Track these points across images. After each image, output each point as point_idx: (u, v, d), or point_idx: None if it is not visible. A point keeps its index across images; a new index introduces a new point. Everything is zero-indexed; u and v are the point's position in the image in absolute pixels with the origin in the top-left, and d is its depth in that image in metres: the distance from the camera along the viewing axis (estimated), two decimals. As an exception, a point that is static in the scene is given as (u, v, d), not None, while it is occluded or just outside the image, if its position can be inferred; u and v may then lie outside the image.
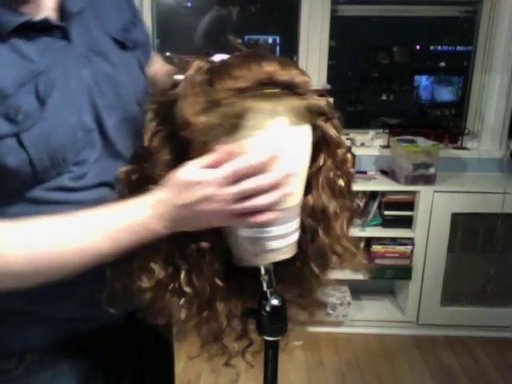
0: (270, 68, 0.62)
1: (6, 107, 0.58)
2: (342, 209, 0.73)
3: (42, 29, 0.63)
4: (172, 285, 0.67)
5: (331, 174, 0.71)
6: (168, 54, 0.80)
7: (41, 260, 0.60)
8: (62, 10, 0.67)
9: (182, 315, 0.69)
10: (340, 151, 0.72)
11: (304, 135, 0.66)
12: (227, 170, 0.59)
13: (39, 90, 0.61)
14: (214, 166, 0.60)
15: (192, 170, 0.60)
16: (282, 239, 0.68)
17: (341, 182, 0.73)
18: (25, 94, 0.59)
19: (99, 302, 0.68)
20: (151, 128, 0.67)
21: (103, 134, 0.70)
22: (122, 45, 0.74)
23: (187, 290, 0.67)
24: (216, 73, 0.63)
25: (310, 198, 0.71)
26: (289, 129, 0.63)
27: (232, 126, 0.60)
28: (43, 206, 0.65)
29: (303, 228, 0.72)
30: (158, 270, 0.66)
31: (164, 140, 0.66)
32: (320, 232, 0.72)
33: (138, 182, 0.67)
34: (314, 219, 0.72)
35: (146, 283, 0.67)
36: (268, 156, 0.60)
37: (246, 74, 0.62)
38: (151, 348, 0.93)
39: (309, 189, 0.71)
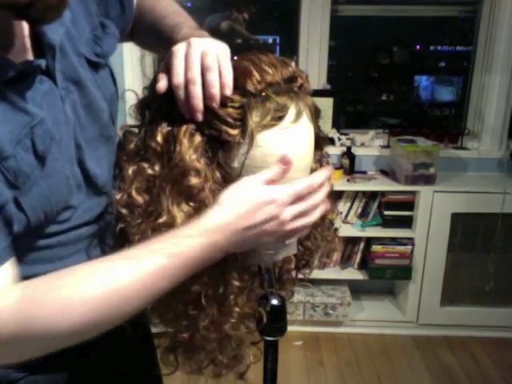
0: (294, 67, 0.66)
1: (6, 170, 0.52)
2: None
3: (31, 72, 0.57)
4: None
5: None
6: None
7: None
8: (39, 40, 0.59)
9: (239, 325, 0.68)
10: (325, 150, 0.76)
11: (313, 132, 0.68)
12: (293, 189, 0.61)
13: (37, 145, 0.55)
14: (274, 180, 0.61)
15: (259, 188, 0.60)
16: None
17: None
18: (23, 153, 0.53)
19: None
20: (164, 126, 0.66)
21: (86, 174, 0.66)
22: (95, 65, 0.68)
23: (236, 309, 0.67)
24: (243, 67, 0.64)
25: None
26: (309, 124, 0.66)
27: (277, 119, 0.62)
28: (19, 251, 0.58)
29: None
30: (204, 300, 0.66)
31: (190, 136, 0.64)
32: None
33: (155, 178, 0.65)
34: None
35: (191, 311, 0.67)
36: (325, 177, 0.64)
37: (274, 70, 0.64)
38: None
39: None
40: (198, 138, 0.63)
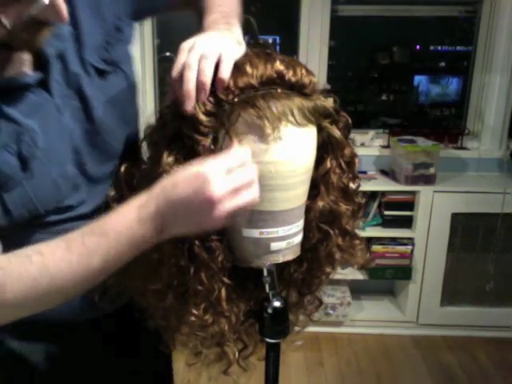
0: (280, 67, 0.62)
1: None
2: (350, 209, 0.73)
3: (22, 86, 0.62)
4: (177, 283, 0.66)
5: (339, 177, 0.71)
6: (168, 54, 0.78)
7: (32, 291, 0.56)
8: (39, 53, 0.64)
9: (188, 317, 0.67)
10: (347, 153, 0.72)
11: (309, 136, 0.66)
12: (223, 162, 0.56)
13: (22, 150, 0.60)
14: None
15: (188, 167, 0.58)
16: (285, 240, 0.68)
17: (349, 184, 0.73)
18: (7, 155, 0.59)
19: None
20: (157, 127, 0.67)
21: (85, 174, 0.70)
22: (102, 71, 0.71)
23: (198, 287, 0.65)
24: None
25: (319, 200, 0.71)
26: (294, 129, 0.63)
27: (248, 126, 0.61)
28: (20, 237, 0.62)
29: (314, 230, 0.72)
30: (166, 270, 0.65)
31: (169, 140, 0.64)
32: (331, 233, 0.72)
33: (139, 180, 0.67)
34: (324, 221, 0.72)
35: (154, 285, 0.66)
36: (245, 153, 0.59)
37: (255, 71, 0.61)
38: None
39: (318, 192, 0.71)
40: (176, 144, 0.63)
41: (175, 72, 0.62)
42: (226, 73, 0.60)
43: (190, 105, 0.60)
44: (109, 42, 0.71)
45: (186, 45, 0.63)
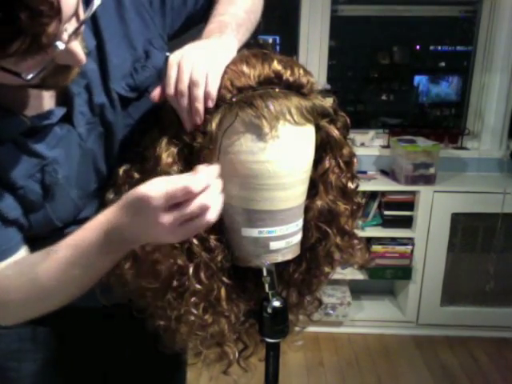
0: (277, 67, 0.62)
1: (18, 196, 0.65)
2: (349, 209, 0.73)
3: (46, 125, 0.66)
4: (176, 283, 0.66)
5: (338, 176, 0.71)
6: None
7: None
8: (64, 90, 0.67)
9: (188, 317, 0.67)
10: (345, 153, 0.72)
11: (307, 135, 0.66)
12: (164, 190, 0.54)
13: (45, 179, 0.66)
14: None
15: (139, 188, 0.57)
16: (284, 240, 0.68)
17: (347, 184, 0.73)
18: (33, 184, 0.66)
19: None
20: (155, 132, 0.67)
21: (101, 186, 0.73)
22: (127, 98, 0.72)
23: (197, 286, 0.65)
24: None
25: (318, 200, 0.71)
26: (292, 128, 0.63)
27: (246, 125, 0.61)
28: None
29: (312, 229, 0.73)
30: (165, 269, 0.65)
31: (168, 140, 0.65)
32: (330, 233, 0.73)
33: (139, 181, 0.67)
34: (323, 221, 0.72)
35: (153, 284, 0.66)
36: (205, 177, 0.56)
37: (252, 71, 0.62)
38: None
39: (316, 191, 0.71)
40: (174, 144, 0.64)
41: (169, 90, 0.63)
42: (212, 90, 0.62)
43: (188, 126, 0.63)
44: (136, 68, 0.73)
45: (173, 58, 0.64)
